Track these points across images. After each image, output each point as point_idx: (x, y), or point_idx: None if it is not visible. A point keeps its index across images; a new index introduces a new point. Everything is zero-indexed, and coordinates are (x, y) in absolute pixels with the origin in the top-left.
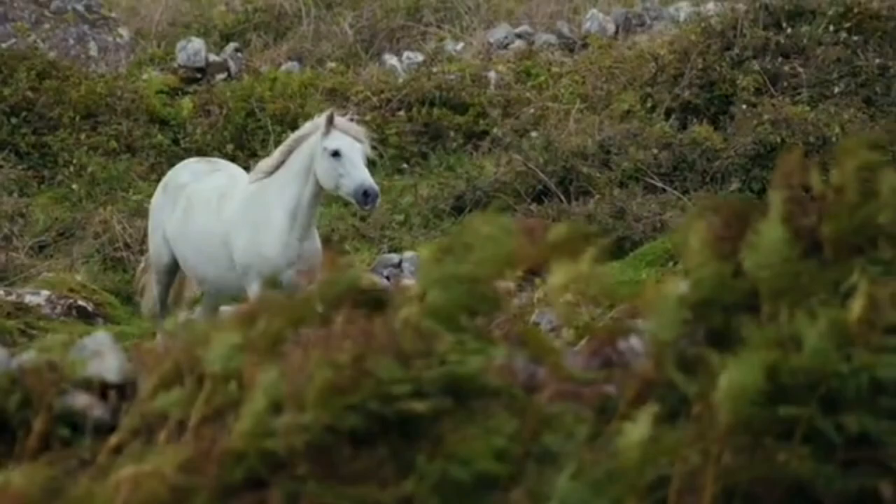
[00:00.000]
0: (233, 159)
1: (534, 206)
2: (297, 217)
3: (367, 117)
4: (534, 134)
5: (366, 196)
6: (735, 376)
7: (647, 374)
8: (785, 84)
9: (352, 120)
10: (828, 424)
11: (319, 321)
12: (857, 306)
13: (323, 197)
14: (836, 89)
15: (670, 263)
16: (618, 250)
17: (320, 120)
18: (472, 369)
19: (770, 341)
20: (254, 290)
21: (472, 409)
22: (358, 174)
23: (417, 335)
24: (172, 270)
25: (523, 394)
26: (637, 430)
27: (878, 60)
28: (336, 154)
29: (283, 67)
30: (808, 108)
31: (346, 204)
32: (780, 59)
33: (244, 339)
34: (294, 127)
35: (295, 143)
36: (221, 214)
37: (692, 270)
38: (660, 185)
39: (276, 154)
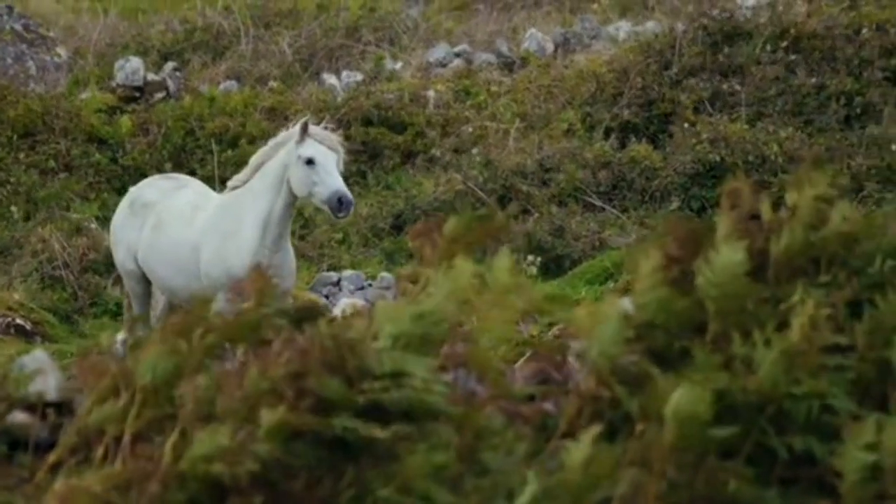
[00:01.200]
0: None
1: None
2: (268, 227)
3: None
4: (474, 152)
5: (340, 203)
6: (684, 398)
7: (589, 391)
8: (723, 103)
9: (326, 128)
10: (777, 444)
11: (253, 338)
12: (797, 327)
13: (294, 208)
14: (774, 108)
15: (609, 281)
16: (557, 268)
17: (294, 129)
18: (435, 398)
19: (718, 364)
20: (220, 300)
21: (421, 431)
22: (332, 182)
23: (368, 357)
24: (144, 283)
25: (464, 412)
26: (580, 450)
27: (814, 79)
28: (310, 162)
29: (222, 86)
30: (746, 127)
31: None
32: (718, 79)
33: (175, 352)
34: (234, 146)
35: (269, 152)
36: (193, 224)
37: (639, 293)
38: (599, 203)
39: (251, 164)
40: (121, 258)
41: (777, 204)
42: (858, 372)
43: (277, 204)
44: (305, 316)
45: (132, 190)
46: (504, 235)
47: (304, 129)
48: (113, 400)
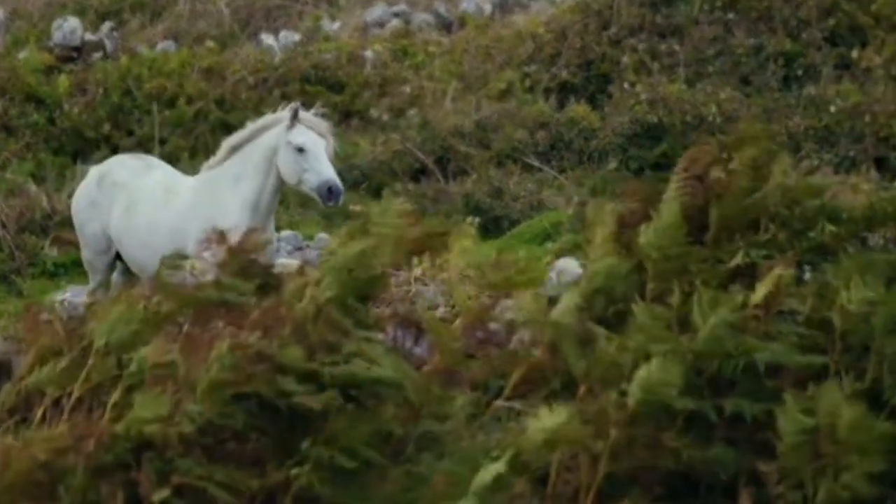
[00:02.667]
0: (108, 138)
1: (411, 185)
2: (258, 210)
3: (244, 96)
4: (411, 112)
5: (330, 192)
6: (655, 369)
7: (541, 361)
8: (662, 64)
9: (317, 115)
10: (707, 406)
11: (217, 306)
12: (761, 292)
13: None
14: (712, 68)
15: (547, 242)
16: (495, 229)
17: (283, 113)
18: (379, 374)
19: (663, 327)
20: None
21: (362, 401)
22: (323, 170)
23: (327, 328)
24: (111, 263)
25: (406, 377)
26: (544, 422)
27: (752, 40)
28: (301, 149)
29: (160, 47)
30: (684, 88)
31: None
32: (656, 39)
33: (133, 319)
34: (171, 106)
35: (252, 134)
36: (169, 207)
37: (591, 261)
38: (537, 164)
39: (225, 146)
40: (90, 235)
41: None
42: (804, 336)
43: (267, 187)
44: (268, 285)
45: (99, 168)
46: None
47: (295, 115)
48: (55, 361)
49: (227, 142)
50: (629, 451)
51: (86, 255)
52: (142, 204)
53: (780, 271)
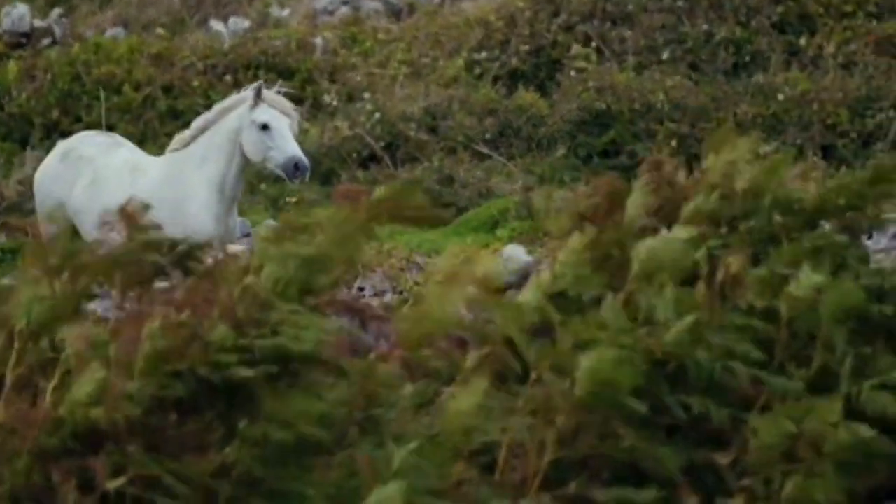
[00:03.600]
0: (57, 124)
1: (360, 172)
2: (224, 191)
3: (193, 82)
4: (366, 96)
5: (296, 168)
6: (603, 360)
7: (497, 351)
8: (611, 51)
9: (279, 93)
10: (674, 402)
11: (126, 279)
12: (716, 286)
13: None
14: (663, 56)
15: (495, 229)
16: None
17: (246, 93)
18: (305, 347)
19: (629, 322)
20: None
21: (300, 377)
22: (288, 147)
23: (254, 304)
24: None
25: (350, 361)
26: (466, 398)
27: (704, 27)
28: (265, 127)
29: (109, 33)
30: (632, 75)
31: None
32: (607, 26)
33: (48, 296)
34: (119, 92)
35: (217, 115)
36: (136, 188)
37: (560, 264)
38: (486, 151)
39: (192, 127)
40: (47, 211)
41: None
42: (752, 327)
43: (232, 167)
44: (183, 256)
45: (64, 142)
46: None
47: (258, 94)
48: None
49: (194, 123)
50: (577, 438)
51: (45, 235)
52: (107, 182)
53: (732, 261)
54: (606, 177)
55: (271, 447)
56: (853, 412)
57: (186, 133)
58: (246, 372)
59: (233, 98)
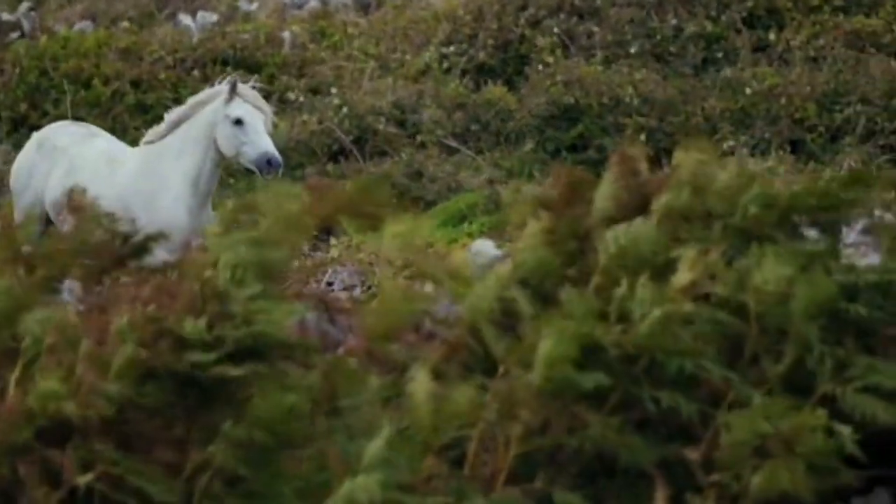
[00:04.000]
0: (25, 118)
1: (329, 166)
2: (198, 185)
3: (161, 77)
4: (334, 90)
5: (269, 164)
6: (553, 342)
7: (460, 339)
8: (579, 45)
9: (254, 88)
10: (646, 396)
11: (86, 272)
12: (681, 278)
13: (220, 167)
14: (631, 50)
15: (464, 223)
16: (413, 210)
17: (221, 87)
18: (274, 327)
19: (593, 311)
20: (158, 256)
21: (273, 369)
22: (261, 142)
23: (217, 295)
24: (43, 227)
25: (319, 352)
26: (420, 386)
27: (673, 22)
28: (239, 122)
29: (77, 27)
30: (601, 69)
31: None
32: (575, 20)
33: (7, 290)
34: (87, 86)
35: (192, 109)
36: (113, 179)
37: (520, 251)
38: (454, 145)
39: (167, 120)
40: (26, 203)
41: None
42: (720, 321)
43: (207, 161)
44: (135, 249)
45: (39, 133)
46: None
47: (233, 88)
48: None
49: (169, 116)
50: (544, 431)
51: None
52: (83, 172)
53: (698, 257)
54: (568, 168)
55: (247, 444)
56: (833, 414)
57: (161, 126)
58: (233, 371)
59: (207, 92)
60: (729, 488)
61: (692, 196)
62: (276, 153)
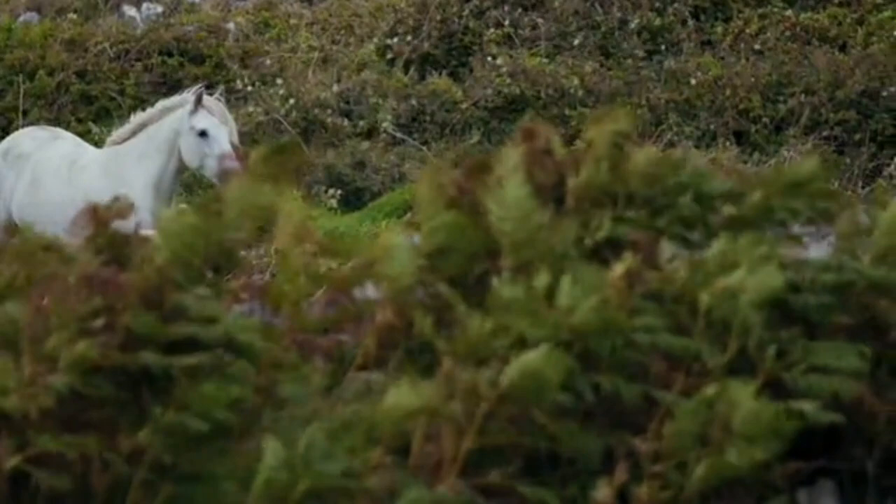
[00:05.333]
0: None
1: None
2: (160, 189)
3: (105, 68)
4: (279, 82)
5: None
6: (537, 360)
7: (385, 322)
8: (523, 37)
9: (219, 100)
10: (583, 383)
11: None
12: (619, 270)
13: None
14: (575, 41)
15: (408, 214)
16: (357, 201)
17: (187, 96)
18: (217, 333)
19: (522, 300)
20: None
21: (211, 360)
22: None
23: (166, 288)
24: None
25: (261, 344)
26: (399, 395)
27: (619, 14)
28: (203, 134)
29: (22, 18)
30: (546, 61)
31: None
32: (518, 12)
33: None
34: (32, 78)
35: (159, 113)
36: (76, 182)
37: (426, 219)
38: (399, 136)
39: (133, 122)
40: None
41: (573, 139)
42: (668, 314)
43: (169, 168)
44: (115, 249)
45: (4, 141)
46: (305, 168)
47: (199, 100)
48: None
49: (135, 118)
50: (496, 426)
51: None
52: (46, 177)
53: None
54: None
55: (184, 433)
56: (778, 395)
57: (127, 127)
58: (178, 361)
59: (174, 99)
60: (672, 479)
61: (611, 174)
62: (239, 167)
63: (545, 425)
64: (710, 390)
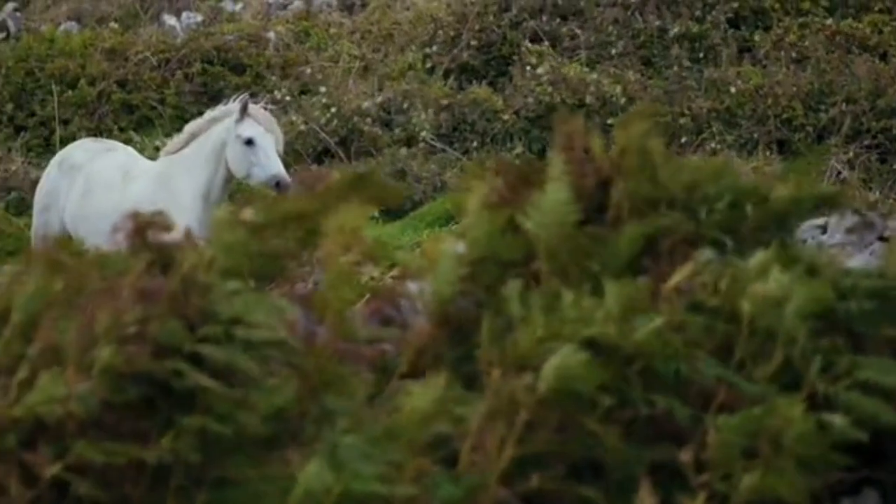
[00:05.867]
0: (11, 119)
1: (315, 167)
2: (209, 199)
3: (146, 77)
4: (321, 90)
5: (278, 187)
6: (568, 358)
7: (425, 332)
8: (563, 46)
9: (265, 108)
10: (641, 400)
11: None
12: (677, 277)
13: (232, 182)
14: (614, 51)
15: (450, 223)
16: (398, 210)
17: (234, 105)
18: (259, 326)
19: (582, 312)
20: None
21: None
22: (270, 165)
23: (199, 293)
24: None
25: (304, 353)
26: (426, 394)
27: (657, 23)
28: (249, 142)
29: (63, 27)
30: (587, 70)
31: None
32: (557, 21)
33: (47, 289)
34: (73, 87)
35: (204, 125)
36: (127, 193)
37: (470, 228)
38: (439, 145)
39: (184, 132)
40: (40, 222)
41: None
42: (720, 330)
43: (217, 178)
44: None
45: (59, 153)
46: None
47: (244, 108)
48: None
49: (186, 128)
50: (536, 434)
51: (36, 244)
52: (98, 188)
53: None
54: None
55: (219, 441)
56: (821, 409)
57: (178, 138)
58: (205, 381)
59: (221, 108)
60: (718, 489)
61: (650, 183)
62: (286, 176)
63: (591, 432)
64: (756, 410)
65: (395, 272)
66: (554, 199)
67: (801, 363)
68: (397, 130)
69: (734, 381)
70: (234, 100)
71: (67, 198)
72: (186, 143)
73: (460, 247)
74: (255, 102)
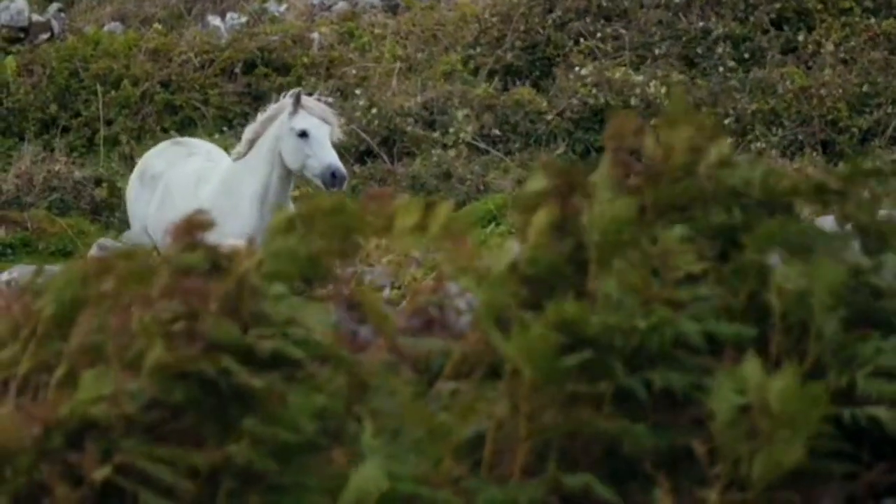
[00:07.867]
0: (54, 119)
1: (357, 167)
2: (266, 200)
3: (189, 77)
4: (358, 94)
5: (333, 178)
6: (532, 331)
7: (474, 342)
8: (607, 47)
9: (319, 100)
10: (634, 381)
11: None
12: (654, 253)
13: (293, 178)
14: (658, 51)
15: (492, 224)
16: None
17: (287, 100)
18: (307, 329)
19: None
20: None
21: (300, 370)
22: (325, 155)
23: (251, 294)
24: None
25: (348, 354)
26: (454, 389)
27: (701, 23)
28: (303, 134)
29: (107, 28)
30: (630, 71)
31: None
32: (602, 22)
33: (83, 291)
34: (117, 87)
35: (262, 126)
36: (197, 198)
37: (531, 248)
38: (483, 146)
39: (244, 138)
40: (134, 231)
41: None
42: (726, 303)
43: (273, 178)
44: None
45: (142, 160)
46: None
47: (297, 101)
48: (11, 344)
49: (244, 135)
50: (541, 416)
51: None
52: (175, 194)
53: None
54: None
55: (271, 444)
56: (845, 401)
57: (241, 144)
58: (255, 381)
59: (273, 107)
60: (730, 477)
61: (685, 182)
62: (341, 166)
63: (596, 419)
64: (741, 369)
65: (437, 272)
66: (604, 196)
67: (830, 357)
68: (440, 131)
69: (717, 331)
70: (285, 96)
71: (148, 209)
72: (247, 150)
73: (514, 250)
74: (309, 95)
